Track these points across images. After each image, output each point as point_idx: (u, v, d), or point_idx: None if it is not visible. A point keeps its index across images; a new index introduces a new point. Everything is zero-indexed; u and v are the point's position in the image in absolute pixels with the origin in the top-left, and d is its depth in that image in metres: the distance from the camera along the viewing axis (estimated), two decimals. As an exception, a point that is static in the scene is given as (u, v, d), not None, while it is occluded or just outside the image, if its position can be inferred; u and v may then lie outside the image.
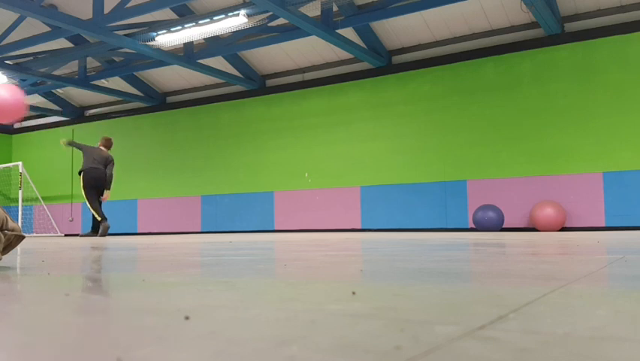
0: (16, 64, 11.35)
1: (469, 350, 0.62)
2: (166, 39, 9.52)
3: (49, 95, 13.92)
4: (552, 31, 8.92)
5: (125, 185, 13.56)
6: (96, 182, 9.63)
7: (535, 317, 0.83)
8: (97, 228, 9.72)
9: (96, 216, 9.51)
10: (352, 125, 10.81)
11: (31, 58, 11.32)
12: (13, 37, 10.95)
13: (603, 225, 8.68)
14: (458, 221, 9.74)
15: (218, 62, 11.54)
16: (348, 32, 10.04)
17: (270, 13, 8.91)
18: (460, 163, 9.75)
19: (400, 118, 10.34)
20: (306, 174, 11.25)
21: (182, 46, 10.80)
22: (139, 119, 13.61)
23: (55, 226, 14.81)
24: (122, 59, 11.63)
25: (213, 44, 10.28)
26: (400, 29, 9.98)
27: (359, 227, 10.65)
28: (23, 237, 2.22)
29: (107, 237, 9.35)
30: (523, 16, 9.18)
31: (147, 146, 13.40)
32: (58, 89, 13.25)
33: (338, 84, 11.01)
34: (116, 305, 1.03)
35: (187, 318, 0.85)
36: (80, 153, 11.28)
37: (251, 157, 11.96)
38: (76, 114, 14.60)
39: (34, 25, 10.70)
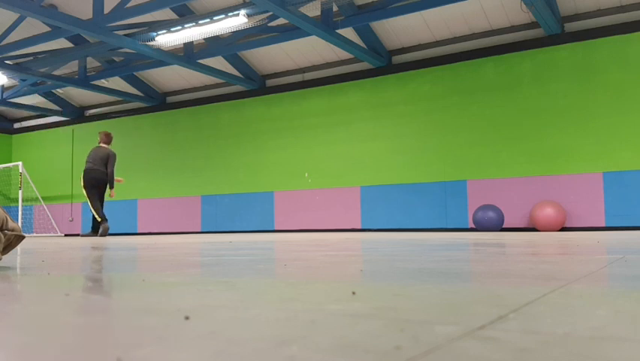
0: (16, 64, 11.35)
1: (469, 350, 0.62)
2: (166, 39, 9.52)
3: (49, 95, 13.92)
4: (552, 31, 8.92)
5: (125, 185, 13.57)
6: (96, 182, 9.61)
7: (535, 317, 0.83)
8: (97, 228, 9.71)
9: (96, 216, 9.49)
10: (352, 125, 10.81)
11: (31, 58, 11.33)
12: (13, 37, 10.96)
13: (603, 225, 8.68)
14: (458, 221, 9.74)
15: (218, 62, 11.54)
16: (348, 32, 10.04)
17: (270, 13, 8.91)
18: (460, 163, 9.75)
19: (400, 118, 10.34)
20: (306, 174, 11.26)
21: (182, 46, 10.80)
22: (139, 119, 13.61)
23: (55, 225, 14.81)
24: (122, 59, 11.64)
25: (213, 44, 10.28)
26: (400, 29, 9.98)
27: (359, 227, 10.65)
28: (23, 237, 2.22)
29: (107, 237, 9.35)
30: (523, 16, 9.18)
31: (147, 146, 13.40)
32: (58, 89, 13.25)
33: (338, 84, 11.01)
34: (116, 305, 1.03)
35: (187, 318, 0.85)
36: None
37: (251, 157, 11.96)
38: (76, 114, 14.60)
39: (34, 25, 10.70)
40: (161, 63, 10.77)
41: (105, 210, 10.02)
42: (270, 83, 11.93)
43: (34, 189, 14.83)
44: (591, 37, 8.83)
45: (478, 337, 0.69)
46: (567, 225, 8.89)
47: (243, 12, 8.55)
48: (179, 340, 0.69)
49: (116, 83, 12.89)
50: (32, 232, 15.22)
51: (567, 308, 0.91)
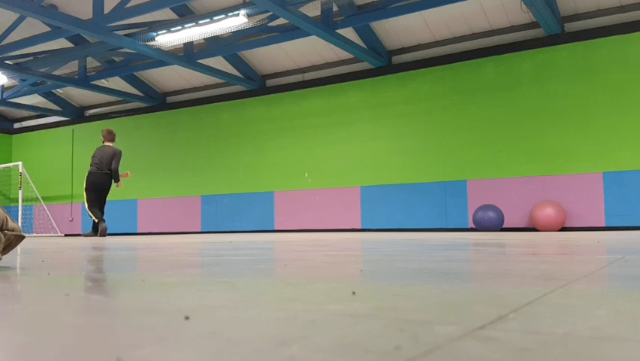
0: (16, 64, 11.35)
1: (469, 350, 0.62)
2: (166, 39, 9.52)
3: (49, 95, 13.92)
4: (552, 31, 8.92)
5: (125, 185, 13.56)
6: (100, 186, 9.45)
7: (535, 317, 0.83)
8: (97, 228, 9.68)
9: (93, 218, 9.42)
10: (352, 125, 10.81)
11: (31, 58, 11.32)
12: (13, 37, 10.95)
13: (603, 225, 8.68)
14: (458, 221, 9.74)
15: (218, 62, 11.54)
16: (348, 32, 10.04)
17: (270, 13, 8.91)
18: (460, 163, 9.75)
19: (400, 118, 10.34)
20: (306, 174, 11.26)
21: (182, 46, 10.80)
22: (139, 119, 13.61)
23: (55, 225, 14.81)
24: (122, 59, 11.63)
25: (213, 44, 10.28)
26: (400, 29, 9.98)
27: (359, 227, 10.65)
28: (23, 237, 2.22)
29: (106, 237, 9.34)
30: (523, 16, 9.18)
31: (147, 146, 13.40)
32: (58, 89, 13.25)
33: (338, 84, 11.01)
34: (116, 305, 1.03)
35: (187, 318, 0.85)
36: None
37: (251, 157, 11.96)
38: (77, 114, 14.61)
39: (34, 25, 10.70)
40: (161, 63, 10.77)
41: (105, 210, 9.89)
42: (270, 83, 11.93)
43: (34, 189, 14.83)
44: (591, 37, 8.83)
45: (478, 337, 0.69)
46: (567, 225, 8.89)
47: (243, 12, 8.55)
48: (179, 340, 0.69)
49: (116, 83, 12.89)
50: (32, 232, 15.22)
51: (567, 308, 0.91)
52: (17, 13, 8.59)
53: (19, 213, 14.01)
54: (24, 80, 12.20)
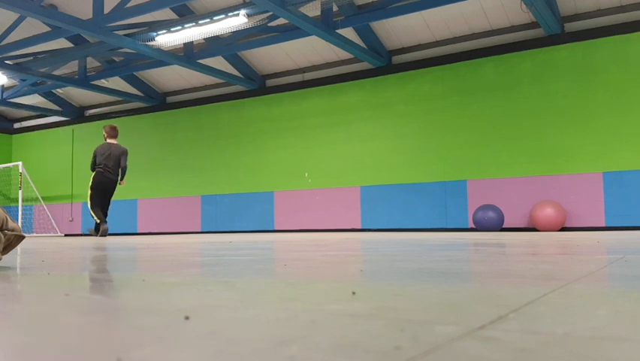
0: (16, 64, 11.35)
1: (469, 350, 0.62)
2: (166, 39, 9.52)
3: (49, 95, 13.92)
4: (552, 31, 8.92)
5: (125, 185, 13.55)
6: (107, 186, 9.24)
7: (535, 317, 0.83)
8: (99, 228, 9.58)
9: (95, 218, 9.28)
10: (352, 125, 10.81)
11: (31, 58, 11.32)
12: (13, 37, 10.95)
13: (603, 225, 8.68)
14: (458, 221, 9.73)
15: (218, 62, 11.54)
16: (348, 32, 10.04)
17: (270, 13, 8.91)
18: (460, 163, 9.75)
19: (400, 118, 10.34)
20: (306, 174, 11.25)
21: (182, 46, 10.79)
22: (139, 119, 13.61)
23: (55, 225, 14.81)
24: (122, 59, 11.63)
25: (213, 44, 10.28)
26: (400, 29, 9.98)
27: (359, 227, 10.65)
28: (23, 237, 2.22)
29: (106, 237, 9.33)
30: (523, 16, 9.18)
31: (147, 146, 13.40)
32: (58, 89, 13.25)
33: (338, 84, 11.01)
34: (116, 305, 1.03)
35: (187, 318, 0.85)
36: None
37: (251, 157, 11.96)
38: (76, 114, 14.61)
39: (34, 25, 10.70)
40: (161, 63, 10.77)
41: (109, 211, 9.75)
42: (270, 83, 11.93)
43: (34, 189, 14.83)
44: (591, 37, 8.83)
45: (478, 337, 0.69)
46: (567, 225, 8.89)
47: (243, 12, 8.55)
48: (179, 340, 0.69)
49: (116, 83, 12.89)
50: (32, 232, 15.22)
51: (567, 308, 0.91)
52: (17, 13, 8.59)
53: (19, 213, 14.01)
54: (24, 80, 12.20)
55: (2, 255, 2.11)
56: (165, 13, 10.07)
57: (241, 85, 11.71)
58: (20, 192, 14.06)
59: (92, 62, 11.95)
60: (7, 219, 2.12)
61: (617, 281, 1.34)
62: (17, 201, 15.12)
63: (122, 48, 10.50)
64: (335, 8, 9.10)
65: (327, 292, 1.17)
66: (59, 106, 14.35)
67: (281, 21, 9.51)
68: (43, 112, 14.09)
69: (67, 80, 11.56)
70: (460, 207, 9.71)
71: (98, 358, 0.61)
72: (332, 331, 0.74)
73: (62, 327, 0.80)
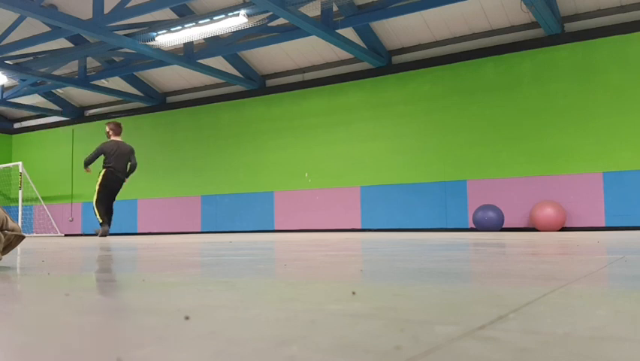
0: (16, 64, 11.35)
1: (469, 350, 0.62)
2: (166, 39, 9.52)
3: (49, 95, 13.92)
4: (552, 31, 8.92)
5: (127, 184, 13.55)
6: (116, 186, 9.19)
7: (535, 317, 0.83)
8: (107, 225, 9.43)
9: (98, 217, 9.23)
10: (352, 125, 10.81)
11: (31, 58, 11.32)
12: (13, 37, 10.95)
13: (603, 225, 8.68)
14: (458, 221, 9.73)
15: (218, 62, 11.54)
16: (348, 32, 10.04)
17: (270, 13, 8.91)
18: (460, 163, 9.75)
19: (400, 118, 10.34)
20: (306, 174, 11.25)
21: (182, 46, 10.80)
22: (139, 119, 13.61)
23: (55, 225, 14.81)
24: (122, 59, 11.63)
25: (213, 44, 10.28)
26: (400, 29, 9.98)
27: (359, 227, 10.65)
28: (23, 237, 2.22)
29: (106, 237, 9.32)
30: (523, 16, 9.18)
31: (147, 146, 13.40)
32: (58, 89, 13.25)
33: (338, 84, 11.01)
34: (116, 305, 1.03)
35: (187, 318, 0.85)
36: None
37: (251, 157, 11.96)
38: (76, 114, 14.60)
39: (34, 25, 10.70)
40: (161, 63, 10.77)
41: (114, 210, 9.68)
42: (270, 83, 11.93)
43: (34, 189, 14.83)
44: (591, 37, 8.83)
45: (478, 337, 0.69)
46: (567, 225, 8.89)
47: (243, 12, 8.55)
48: (179, 340, 0.69)
49: (116, 83, 12.89)
50: (32, 232, 15.22)
51: (567, 308, 0.91)
52: (17, 13, 8.59)
53: (19, 213, 14.01)
54: (24, 80, 12.20)
55: (2, 255, 2.11)
56: (165, 13, 10.07)
57: (241, 85, 11.71)
58: (20, 192, 14.06)
59: (92, 62, 11.95)
60: (7, 219, 2.12)
61: (617, 281, 1.34)
62: (17, 201, 15.12)
63: (122, 48, 10.50)
64: (335, 8, 9.10)
65: (327, 292, 1.17)
66: (59, 106, 14.34)
67: (281, 21, 9.51)
68: (43, 112, 14.09)
69: (67, 80, 11.56)
70: (460, 207, 9.72)
71: (98, 358, 0.61)
72: (332, 331, 0.74)
73: (62, 327, 0.80)
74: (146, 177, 13.34)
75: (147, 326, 0.80)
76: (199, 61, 10.79)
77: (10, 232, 2.12)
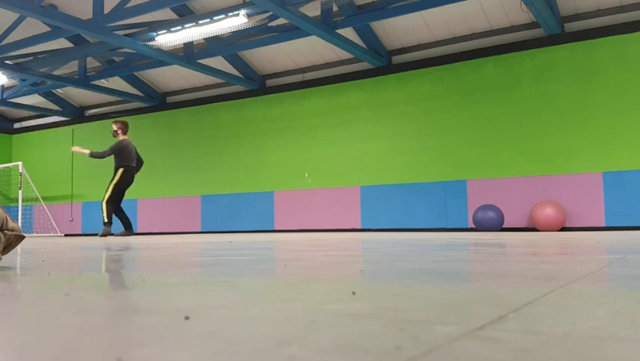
0: (16, 64, 11.35)
1: (469, 350, 0.62)
2: (166, 39, 9.52)
3: (49, 95, 13.92)
4: (552, 31, 8.92)
5: (125, 185, 13.55)
6: (129, 184, 9.28)
7: (535, 317, 0.83)
8: (129, 227, 9.36)
9: (104, 217, 9.20)
10: (352, 125, 10.81)
11: (31, 58, 11.32)
12: (13, 37, 10.95)
13: (603, 225, 8.68)
14: (458, 221, 9.74)
15: (218, 62, 11.54)
16: (348, 32, 10.04)
17: (270, 13, 8.91)
18: (460, 163, 9.75)
19: (400, 118, 10.34)
20: (306, 174, 11.26)
21: (182, 46, 10.80)
22: (139, 119, 13.61)
23: (55, 225, 14.81)
24: (122, 59, 11.64)
25: (213, 44, 10.28)
26: (400, 29, 9.98)
27: (359, 227, 10.65)
28: (23, 237, 2.22)
29: (106, 237, 9.32)
30: (523, 16, 9.18)
31: (147, 146, 13.40)
32: (58, 89, 13.25)
33: (338, 84, 11.01)
34: (116, 305, 1.03)
35: (187, 318, 0.85)
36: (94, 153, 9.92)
37: (251, 157, 11.96)
38: (76, 114, 14.60)
39: (34, 25, 10.70)
40: (161, 63, 10.77)
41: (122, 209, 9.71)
42: (270, 83, 11.93)
43: (34, 189, 14.83)
44: (591, 37, 8.83)
45: (478, 337, 0.69)
46: (567, 225, 8.89)
47: (243, 12, 8.55)
48: (179, 340, 0.69)
49: (116, 83, 12.89)
50: (32, 232, 15.22)
51: (567, 308, 0.91)
52: (17, 13, 8.59)
53: (19, 213, 14.01)
54: (24, 80, 12.20)
55: (2, 255, 2.11)
56: (165, 13, 10.07)
57: (241, 85, 11.71)
58: (20, 192, 14.06)
59: (92, 62, 11.95)
60: (7, 219, 2.12)
61: (617, 281, 1.34)
62: (17, 201, 15.12)
63: (122, 48, 10.51)
64: (335, 8, 9.10)
65: (327, 292, 1.17)
66: (59, 106, 14.34)
67: (281, 21, 9.51)
68: (43, 112, 14.09)
69: (67, 80, 11.56)
70: (460, 207, 9.72)
71: (98, 358, 0.61)
72: (332, 331, 0.74)
73: (62, 327, 0.80)
74: (146, 177, 13.34)
75: (147, 326, 0.80)
76: (199, 61, 10.79)
77: (10, 232, 2.12)
